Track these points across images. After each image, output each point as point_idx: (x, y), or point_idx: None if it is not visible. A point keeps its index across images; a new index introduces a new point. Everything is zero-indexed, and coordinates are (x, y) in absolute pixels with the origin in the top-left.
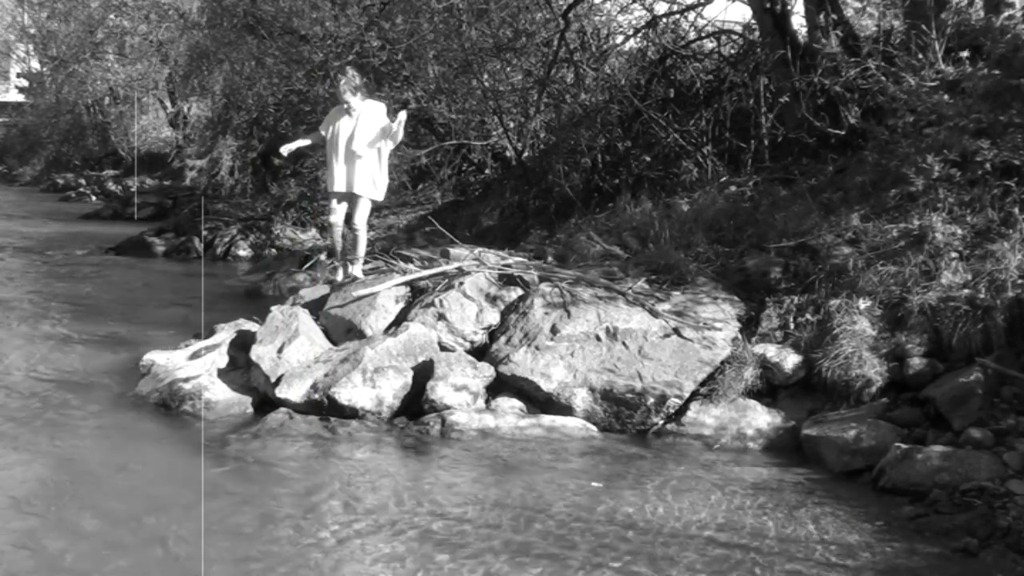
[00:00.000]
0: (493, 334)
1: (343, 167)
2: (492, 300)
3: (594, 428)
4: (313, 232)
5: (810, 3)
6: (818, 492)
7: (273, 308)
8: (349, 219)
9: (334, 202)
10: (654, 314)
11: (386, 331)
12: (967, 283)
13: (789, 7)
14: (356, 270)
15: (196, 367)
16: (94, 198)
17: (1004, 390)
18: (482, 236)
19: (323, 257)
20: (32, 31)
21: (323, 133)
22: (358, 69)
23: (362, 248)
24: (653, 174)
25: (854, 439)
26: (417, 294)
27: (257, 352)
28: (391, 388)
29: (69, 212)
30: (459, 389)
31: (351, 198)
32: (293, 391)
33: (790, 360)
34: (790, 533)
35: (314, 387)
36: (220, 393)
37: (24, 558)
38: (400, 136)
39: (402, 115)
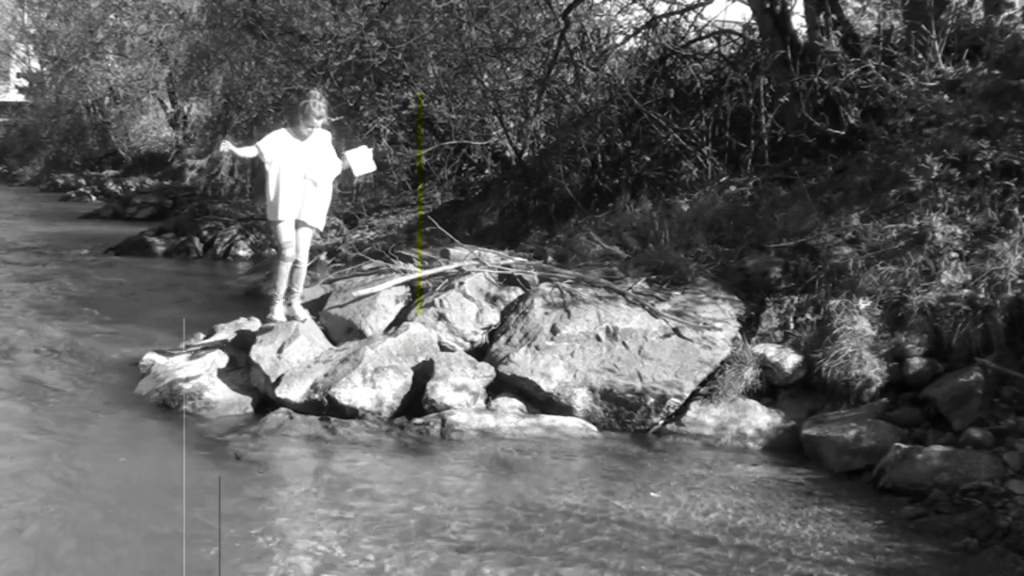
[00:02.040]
0: (493, 334)
1: (294, 194)
2: (492, 300)
3: (594, 428)
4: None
5: (810, 3)
6: (818, 492)
7: None
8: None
9: (288, 235)
10: (654, 314)
11: (386, 331)
12: (967, 283)
13: (789, 7)
14: (297, 308)
15: (196, 367)
16: (94, 198)
17: (1004, 390)
18: (482, 236)
19: (323, 257)
20: (32, 31)
21: (264, 156)
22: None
23: (302, 283)
24: (653, 174)
25: (854, 439)
26: (417, 294)
27: (257, 352)
28: (391, 388)
29: (69, 212)
30: (459, 389)
31: (299, 228)
32: (293, 391)
33: (790, 360)
34: (790, 533)
35: (314, 387)
36: (220, 393)
37: (24, 557)
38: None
39: (366, 150)
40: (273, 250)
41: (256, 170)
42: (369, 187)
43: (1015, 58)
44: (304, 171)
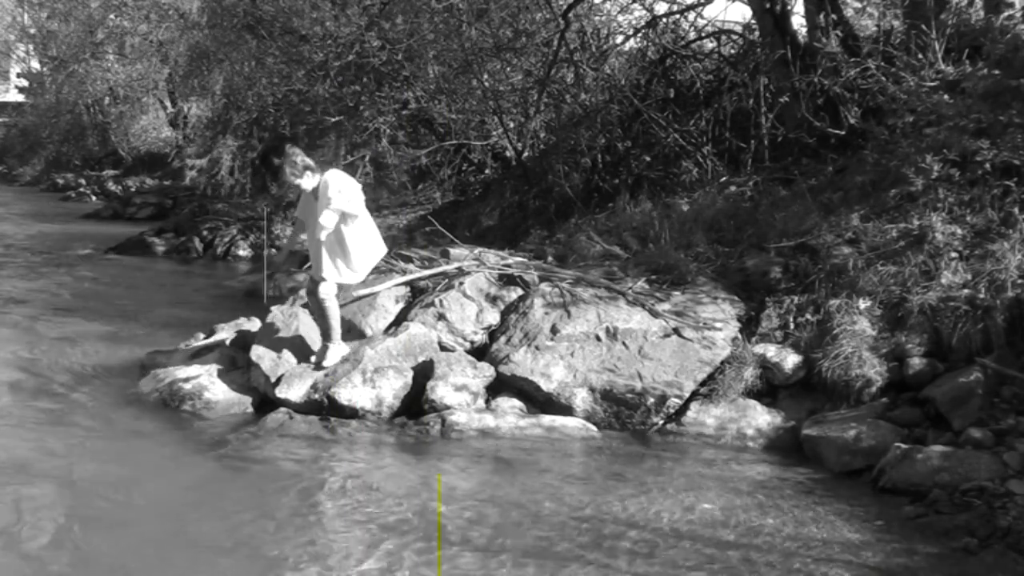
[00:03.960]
0: (493, 334)
1: (312, 248)
2: (492, 300)
3: (594, 428)
4: None
5: (810, 3)
6: (818, 492)
7: (273, 308)
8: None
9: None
10: (654, 314)
11: (386, 331)
12: (967, 283)
13: (789, 7)
14: (328, 353)
15: (196, 367)
16: (94, 198)
17: (1004, 390)
18: (482, 236)
19: None
20: (32, 31)
21: (300, 218)
22: (302, 146)
23: (332, 322)
24: (653, 174)
25: (854, 439)
26: (417, 294)
27: (257, 352)
28: (391, 388)
29: (69, 212)
30: (459, 389)
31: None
32: (293, 391)
33: (790, 360)
34: (790, 532)
35: (314, 387)
36: (220, 393)
37: (23, 556)
38: (338, 205)
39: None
40: (274, 250)
41: (256, 169)
42: (369, 187)
43: (1015, 58)
44: (312, 224)
